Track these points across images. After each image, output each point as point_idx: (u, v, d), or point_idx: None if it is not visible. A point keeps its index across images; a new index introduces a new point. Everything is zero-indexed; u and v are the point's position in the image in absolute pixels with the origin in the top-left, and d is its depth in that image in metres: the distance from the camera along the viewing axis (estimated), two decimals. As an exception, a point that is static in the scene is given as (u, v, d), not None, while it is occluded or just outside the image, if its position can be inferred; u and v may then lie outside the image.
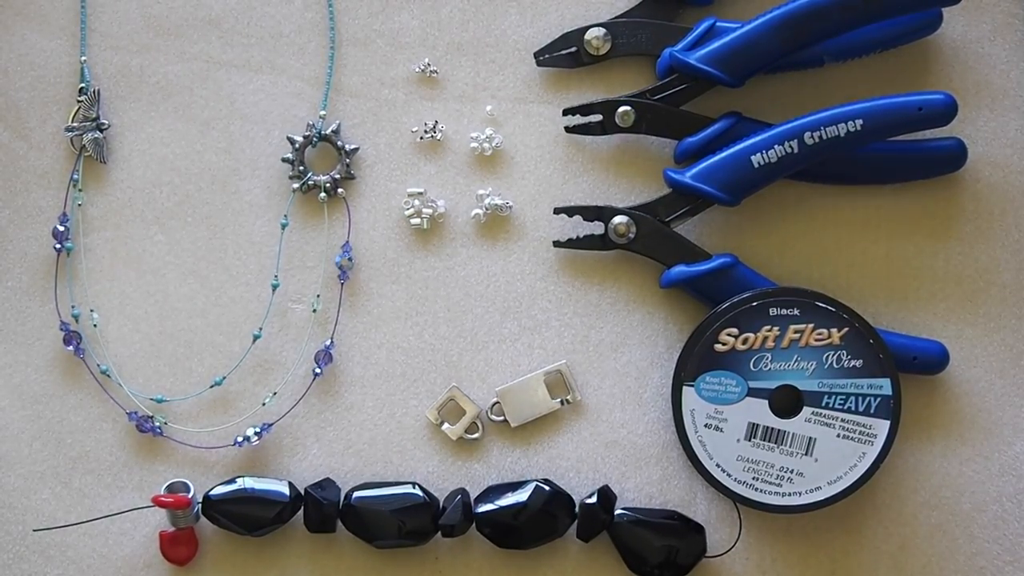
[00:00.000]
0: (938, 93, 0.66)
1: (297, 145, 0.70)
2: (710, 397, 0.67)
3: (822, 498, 0.66)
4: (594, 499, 0.67)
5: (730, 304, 0.66)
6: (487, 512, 0.67)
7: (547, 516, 0.66)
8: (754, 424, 0.66)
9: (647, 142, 0.70)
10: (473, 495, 0.68)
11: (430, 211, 0.70)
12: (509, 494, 0.67)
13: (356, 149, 0.70)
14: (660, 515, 0.67)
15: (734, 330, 0.66)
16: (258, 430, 0.69)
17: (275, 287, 0.69)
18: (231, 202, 0.70)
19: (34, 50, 0.70)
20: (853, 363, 0.66)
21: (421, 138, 0.70)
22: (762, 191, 0.67)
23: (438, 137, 0.70)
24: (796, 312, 0.66)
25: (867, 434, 0.66)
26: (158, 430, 0.69)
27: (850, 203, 0.70)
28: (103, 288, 0.70)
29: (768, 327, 0.66)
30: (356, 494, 0.67)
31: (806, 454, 0.66)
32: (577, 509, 0.67)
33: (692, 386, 0.67)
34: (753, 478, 0.66)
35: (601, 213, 0.69)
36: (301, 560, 0.68)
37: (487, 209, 0.70)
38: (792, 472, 0.66)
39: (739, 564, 0.69)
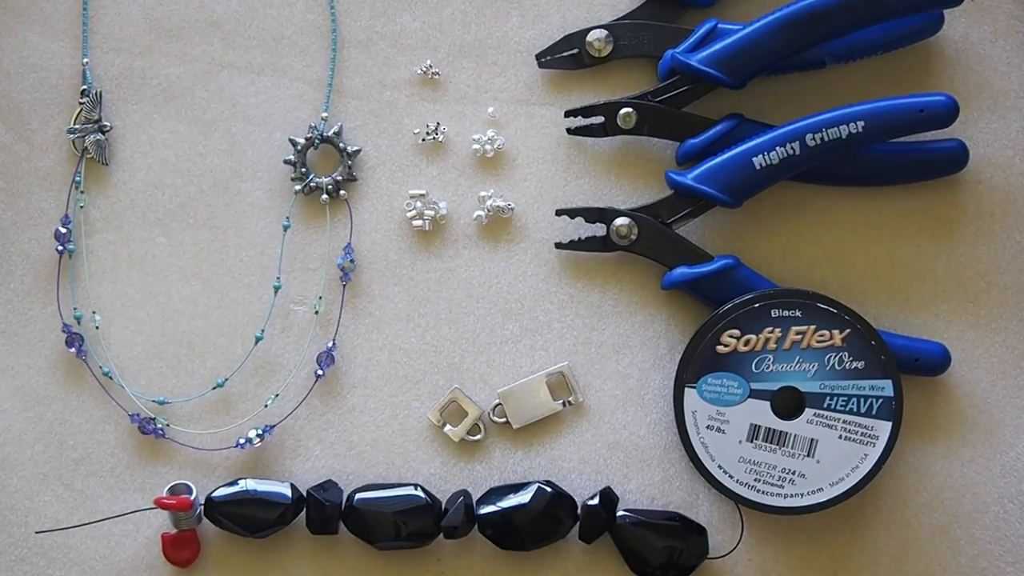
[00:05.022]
0: (939, 95, 0.66)
1: (299, 147, 0.70)
2: (712, 399, 0.67)
3: (824, 499, 0.66)
4: (596, 500, 0.67)
5: (732, 306, 0.66)
6: (489, 513, 0.67)
7: (549, 517, 0.66)
8: (756, 425, 0.66)
9: (649, 144, 0.70)
10: (475, 496, 0.68)
11: (432, 213, 0.70)
12: (511, 495, 0.67)
13: (358, 151, 0.70)
14: (662, 516, 0.67)
15: (736, 332, 0.66)
16: (260, 432, 0.69)
17: (277, 289, 0.69)
18: (233, 204, 0.70)
19: (36, 52, 0.70)
20: (855, 364, 0.66)
21: (423, 140, 0.70)
22: (764, 193, 0.67)
23: (440, 139, 0.70)
24: (798, 314, 0.66)
25: (869, 435, 0.66)
26: (160, 432, 0.69)
27: (852, 205, 0.70)
28: (105, 290, 0.70)
29: (770, 329, 0.66)
30: (358, 496, 0.67)
31: (808, 455, 0.66)
32: (579, 510, 0.67)
33: (694, 388, 0.67)
34: (755, 479, 0.66)
35: (603, 215, 0.69)
36: (303, 562, 0.68)
37: (489, 211, 0.70)
38: (794, 473, 0.66)
39: (741, 565, 0.69)
